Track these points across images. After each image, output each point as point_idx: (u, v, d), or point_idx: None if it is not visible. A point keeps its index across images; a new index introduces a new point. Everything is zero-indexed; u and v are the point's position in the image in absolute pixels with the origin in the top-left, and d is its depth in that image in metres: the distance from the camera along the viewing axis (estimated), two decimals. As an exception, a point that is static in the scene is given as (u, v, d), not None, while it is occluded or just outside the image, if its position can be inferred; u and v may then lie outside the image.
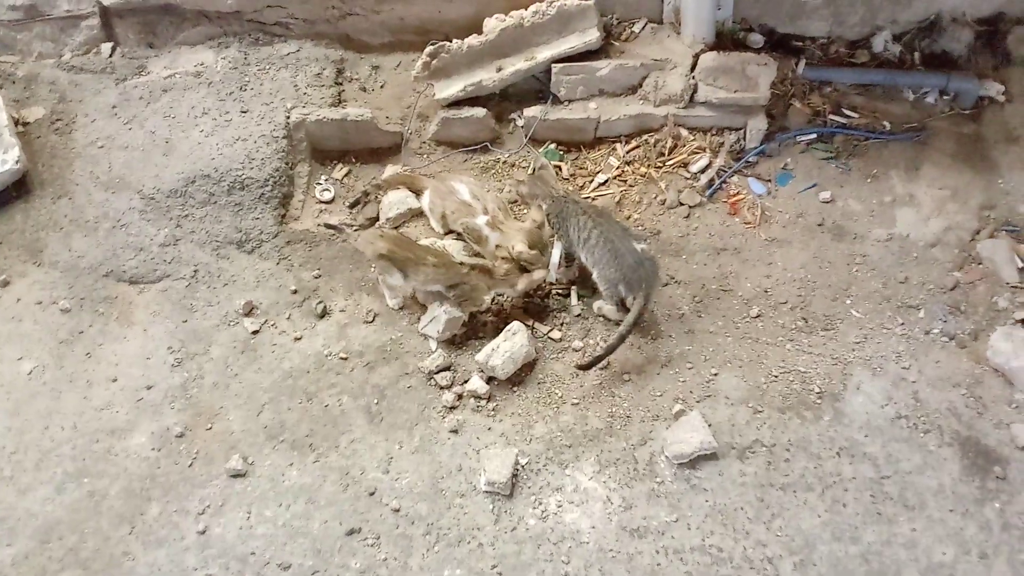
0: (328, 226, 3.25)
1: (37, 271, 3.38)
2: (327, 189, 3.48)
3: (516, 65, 3.38)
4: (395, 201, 3.37)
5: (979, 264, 3.06)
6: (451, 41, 3.39)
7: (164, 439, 2.93)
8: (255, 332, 3.15)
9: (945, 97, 3.37)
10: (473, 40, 3.37)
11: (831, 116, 3.35)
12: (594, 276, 2.96)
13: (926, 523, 2.57)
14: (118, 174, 3.50)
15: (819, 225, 3.20)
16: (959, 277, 3.04)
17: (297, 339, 3.12)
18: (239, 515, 2.76)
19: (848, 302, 3.03)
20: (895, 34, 3.43)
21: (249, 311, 3.19)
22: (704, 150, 3.33)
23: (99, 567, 2.70)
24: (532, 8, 3.35)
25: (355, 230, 3.36)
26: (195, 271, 3.30)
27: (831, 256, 3.13)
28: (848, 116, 3.36)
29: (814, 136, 3.33)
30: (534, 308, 3.11)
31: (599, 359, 2.88)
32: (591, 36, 3.34)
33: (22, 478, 2.88)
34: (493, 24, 3.38)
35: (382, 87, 3.63)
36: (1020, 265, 3.03)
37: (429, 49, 3.38)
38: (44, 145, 3.64)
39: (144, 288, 3.30)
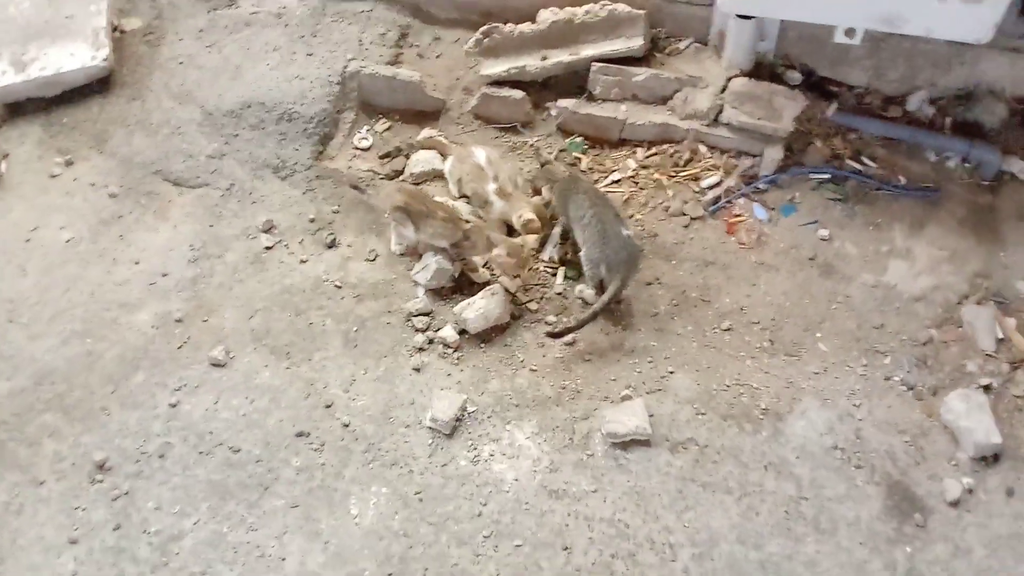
0: (353, 186, 3.51)
1: (98, 158, 3.76)
2: (365, 138, 3.75)
3: (560, 57, 3.59)
4: (422, 159, 3.61)
5: (959, 327, 3.08)
6: (506, 25, 3.62)
7: (164, 320, 3.23)
8: (268, 248, 3.43)
9: (966, 164, 3.40)
10: (525, 27, 3.60)
11: (849, 161, 3.43)
12: (581, 255, 3.13)
13: (832, 548, 2.62)
14: (188, 89, 3.86)
15: (810, 259, 3.28)
16: (935, 334, 3.07)
17: (303, 262, 3.39)
18: (209, 399, 3.02)
19: (818, 335, 3.10)
20: (932, 97, 3.49)
21: (268, 229, 3.47)
22: (718, 168, 3.45)
23: (78, 415, 3.00)
24: (585, 7, 3.55)
25: (381, 178, 3.63)
26: (231, 185, 3.61)
27: (814, 290, 3.20)
28: (866, 164, 3.43)
29: (828, 176, 3.41)
30: (523, 279, 3.28)
31: (569, 330, 3.04)
32: (636, 43, 3.52)
33: (35, 327, 3.22)
34: (546, 16, 3.60)
35: (438, 57, 3.90)
36: (1000, 336, 3.04)
37: (484, 28, 3.62)
38: (133, 53, 4.04)
39: (184, 191, 3.63)
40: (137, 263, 3.42)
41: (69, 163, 3.76)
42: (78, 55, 3.91)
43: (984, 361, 3.00)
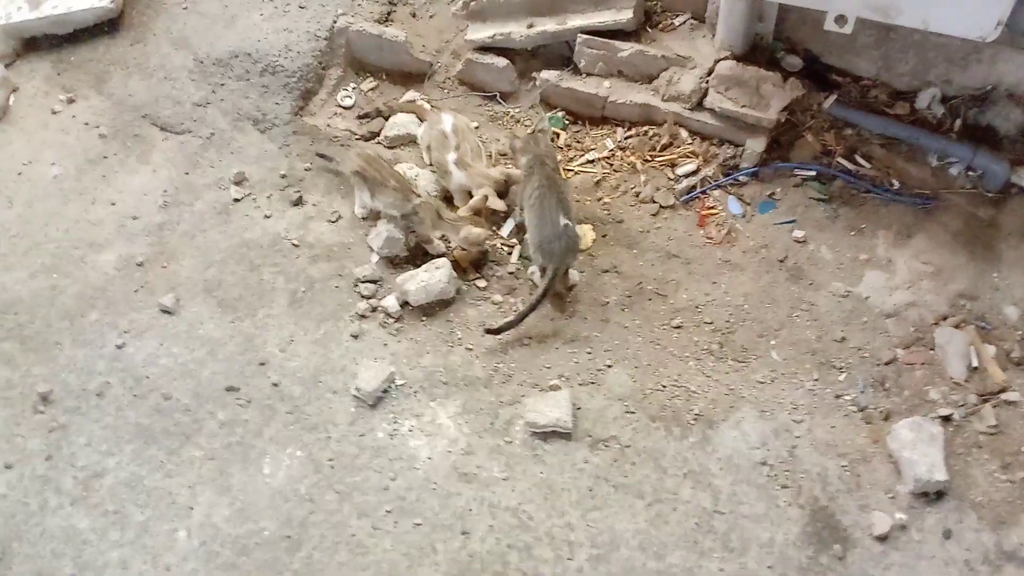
0: (319, 154, 3.46)
1: (96, 97, 3.84)
2: (349, 96, 3.71)
3: (546, 26, 3.45)
4: (399, 123, 3.55)
5: (930, 350, 2.85)
6: (496, -13, 3.50)
7: (126, 263, 3.30)
8: (236, 200, 3.45)
9: (971, 173, 3.12)
10: (514, -8, 3.46)
11: (840, 159, 3.19)
12: (526, 236, 3.03)
13: (737, 568, 2.49)
14: (186, 34, 3.89)
15: (780, 261, 3.08)
16: (900, 354, 2.85)
17: (267, 217, 3.39)
18: (153, 343, 3.08)
19: (773, 342, 2.92)
20: (945, 95, 3.19)
21: (239, 181, 3.49)
22: (696, 156, 3.27)
23: (32, 346, 3.12)
24: (577, -26, 3.39)
25: (357, 138, 3.59)
26: (212, 134, 3.64)
27: (778, 294, 3.01)
28: (859, 164, 3.18)
29: (813, 173, 3.18)
30: (476, 255, 3.20)
31: (510, 325, 2.95)
32: (625, 16, 3.34)
33: (9, 258, 3.34)
34: (537, -19, 3.45)
35: (431, 17, 3.80)
36: (973, 364, 2.80)
37: (472, -10, 3.51)
38: (142, -3, 4.09)
39: (168, 136, 3.68)
40: (113, 204, 3.50)
41: (71, 101, 3.86)
42: (88, -5, 3.98)
43: (950, 389, 2.77)
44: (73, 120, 3.80)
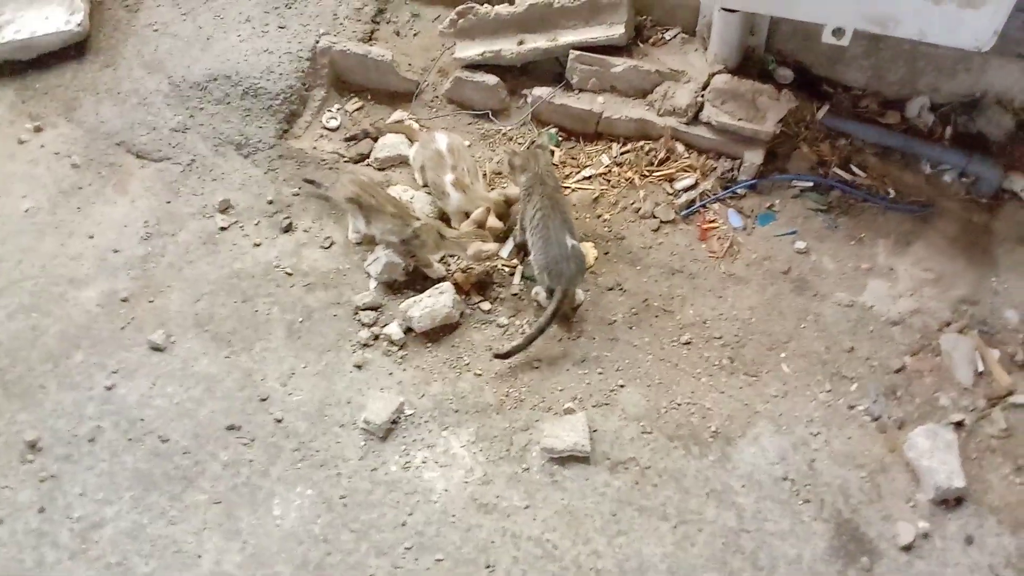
0: (306, 180, 3.36)
1: (66, 125, 3.69)
2: (335, 117, 3.62)
3: (537, 43, 3.40)
4: (388, 144, 3.47)
5: (936, 356, 2.88)
6: (482, 5, 3.44)
7: (110, 299, 3.16)
8: (223, 228, 3.33)
9: (964, 179, 3.16)
10: (502, 9, 3.41)
11: (836, 169, 3.21)
12: (530, 258, 2.98)
13: (767, 588, 2.47)
14: (159, 57, 3.75)
15: (784, 273, 3.08)
16: (909, 362, 2.87)
17: (256, 245, 3.28)
18: (144, 384, 2.95)
19: (783, 355, 2.91)
20: (934, 103, 3.24)
21: (225, 209, 3.37)
22: (694, 170, 3.26)
23: (15, 391, 2.96)
24: (566, -9, 3.35)
25: (345, 160, 3.50)
26: (192, 160, 3.51)
27: (784, 306, 3.01)
28: (855, 174, 3.20)
29: (811, 184, 3.20)
30: (478, 277, 3.13)
31: (518, 349, 2.89)
32: (616, 31, 3.32)
33: (-16, 298, 3.17)
34: (526, -3, 3.41)
35: (415, 35, 3.73)
36: (980, 369, 2.83)
37: (459, 8, 3.45)
38: (111, 18, 3.94)
39: (145, 164, 3.54)
40: (91, 237, 3.35)
41: (38, 129, 3.70)
42: (53, 19, 3.82)
43: (959, 395, 2.79)
44: (42, 150, 3.63)
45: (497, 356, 2.90)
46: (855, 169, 3.22)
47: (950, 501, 2.60)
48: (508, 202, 3.16)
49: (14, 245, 3.33)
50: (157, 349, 3.02)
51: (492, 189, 3.25)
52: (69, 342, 3.06)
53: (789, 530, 2.56)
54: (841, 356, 2.90)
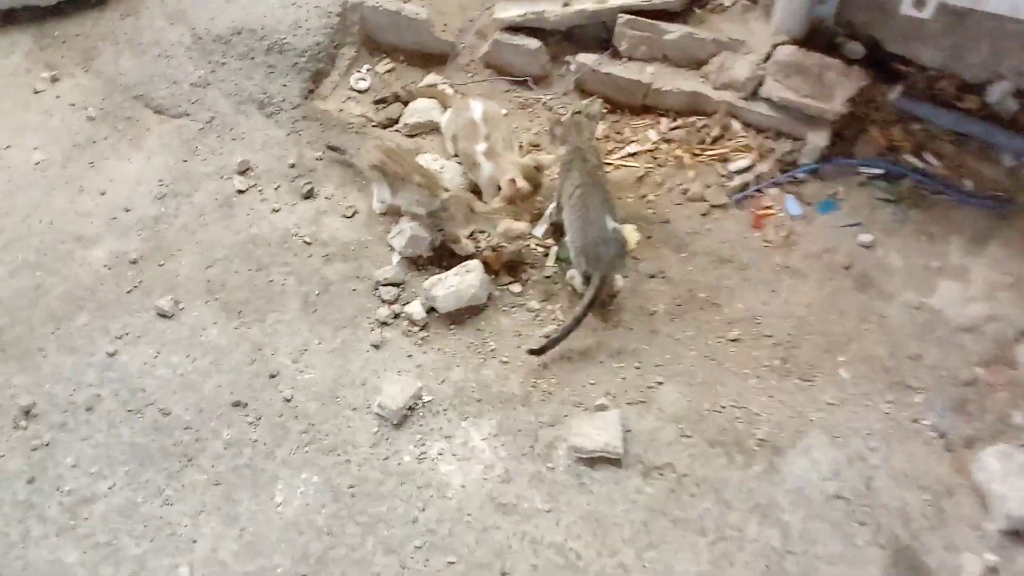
0: (330, 146, 3.14)
1: (84, 76, 3.51)
2: (364, 79, 3.39)
3: (584, 5, 3.14)
4: (420, 109, 3.24)
5: (1012, 368, 2.59)
6: (528, -38, 3.18)
7: (118, 260, 2.98)
8: (240, 191, 3.13)
9: (1051, 175, 2.86)
10: (548, -34, 3.15)
11: (909, 156, 2.91)
12: (565, 238, 2.74)
13: (813, 618, 2.23)
14: (182, 7, 3.55)
15: (845, 268, 2.80)
16: (981, 374, 2.58)
17: (275, 211, 3.08)
18: (148, 351, 2.77)
19: (841, 359, 2.64)
20: (1019, 88, 2.92)
21: (244, 171, 3.17)
22: (751, 150, 2.98)
23: (13, 353, 2.79)
24: (620, -52, 3.08)
25: (373, 125, 3.27)
26: (212, 118, 3.31)
27: (844, 305, 2.74)
28: (928, 163, 2.91)
29: (880, 172, 2.91)
30: (509, 256, 2.90)
31: (554, 343, 2.64)
32: (673, -6, 3.04)
33: (-13, 253, 3.00)
34: (575, -46, 3.14)
35: (455, -7, 3.48)
36: (1061, 385, 2.54)
37: (502, -36, 3.19)
38: (136, -35, 3.73)
39: (164, 120, 3.35)
40: (103, 194, 3.17)
41: (55, 79, 3.53)
42: (75, -38, 3.63)
43: (1036, 413, 2.51)
44: (58, 100, 3.46)
45: (531, 352, 2.65)
46: (929, 157, 2.92)
47: (1022, 532, 2.32)
48: (539, 168, 2.91)
49: (22, 199, 3.16)
50: (164, 316, 2.83)
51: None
52: (73, 303, 2.89)
53: (840, 555, 2.30)
54: (905, 363, 2.62)
